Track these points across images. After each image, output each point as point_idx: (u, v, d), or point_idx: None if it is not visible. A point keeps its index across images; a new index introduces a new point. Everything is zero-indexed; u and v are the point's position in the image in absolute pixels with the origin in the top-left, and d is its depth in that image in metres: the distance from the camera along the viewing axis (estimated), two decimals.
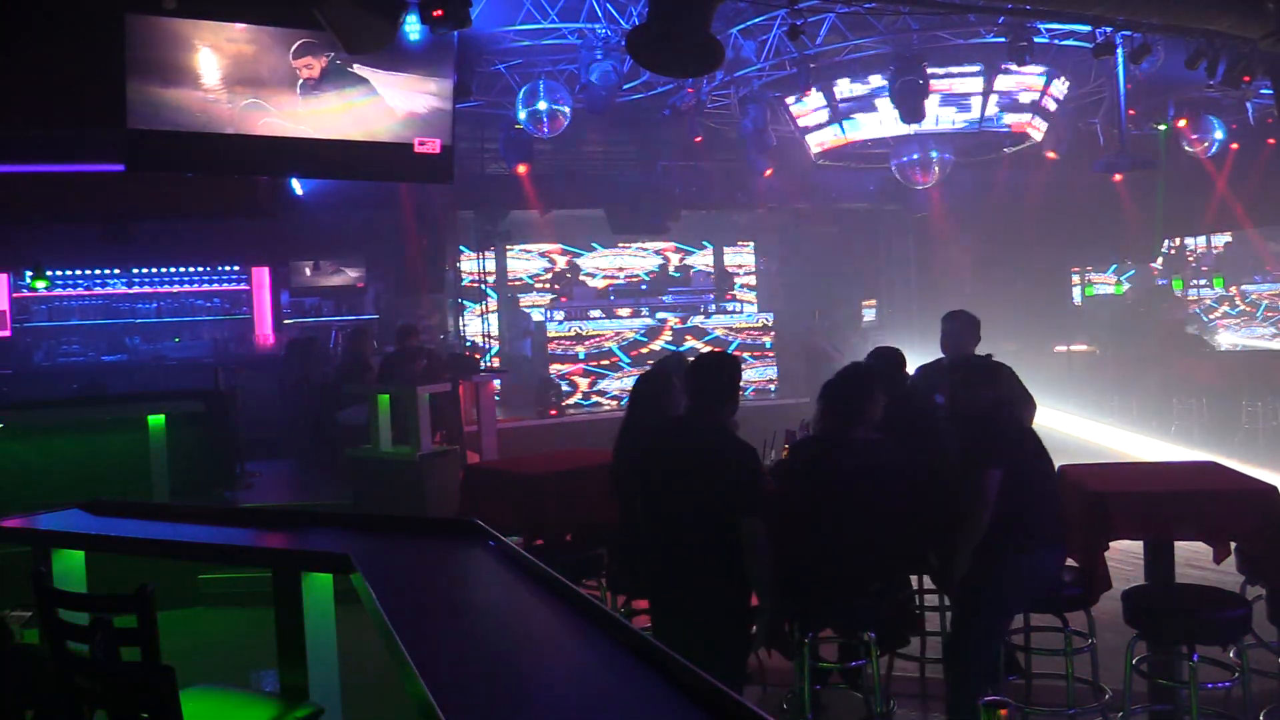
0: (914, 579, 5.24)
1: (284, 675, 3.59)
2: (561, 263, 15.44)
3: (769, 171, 12.72)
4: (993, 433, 4.22)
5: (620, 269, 15.74)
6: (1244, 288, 15.19)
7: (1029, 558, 4.16)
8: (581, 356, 13.55)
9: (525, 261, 15.39)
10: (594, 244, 15.45)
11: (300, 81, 7.54)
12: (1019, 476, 4.13)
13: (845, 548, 4.17)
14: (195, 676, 3.14)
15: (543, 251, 15.37)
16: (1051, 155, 12.22)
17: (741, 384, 4.24)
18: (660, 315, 13.95)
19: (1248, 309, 15.11)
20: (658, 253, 15.87)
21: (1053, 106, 10.72)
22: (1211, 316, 15.36)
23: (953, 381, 4.66)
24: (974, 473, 4.16)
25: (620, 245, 15.49)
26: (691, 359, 4.34)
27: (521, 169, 11.83)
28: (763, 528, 3.87)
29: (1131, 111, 10.70)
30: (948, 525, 4.32)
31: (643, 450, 4.23)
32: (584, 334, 13.66)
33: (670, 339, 13.73)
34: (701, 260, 16.20)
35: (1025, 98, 10.45)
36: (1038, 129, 10.92)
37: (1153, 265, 15.13)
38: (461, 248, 14.24)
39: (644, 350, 13.64)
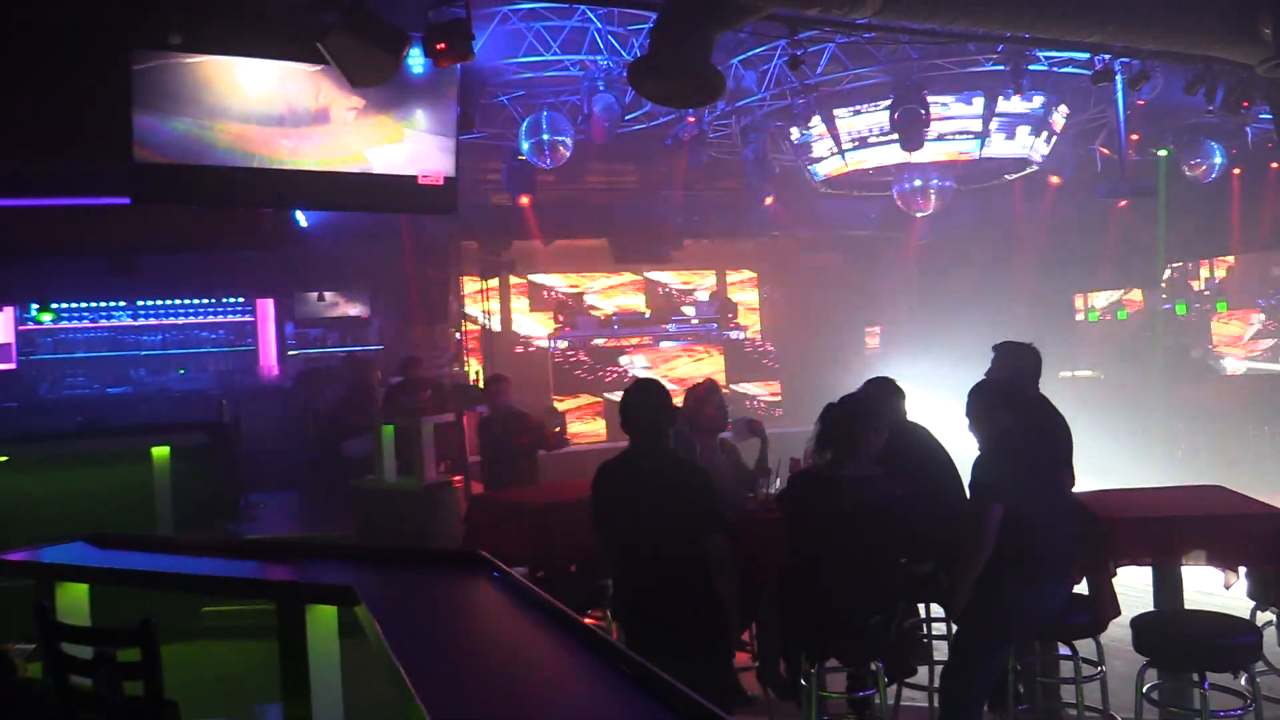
0: (920, 607, 5.21)
1: (288, 709, 3.57)
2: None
3: (770, 200, 12.80)
4: (999, 466, 4.18)
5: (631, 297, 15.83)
6: None
7: (1031, 591, 4.12)
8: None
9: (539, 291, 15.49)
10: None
11: (305, 114, 7.60)
12: (1027, 509, 4.09)
13: (845, 583, 4.15)
14: (199, 710, 3.13)
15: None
16: (1055, 180, 12.27)
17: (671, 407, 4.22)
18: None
19: None
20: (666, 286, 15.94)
21: (1053, 133, 10.77)
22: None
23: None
24: (976, 506, 4.14)
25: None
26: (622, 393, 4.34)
27: (524, 200, 11.90)
28: (726, 543, 3.91)
29: (1135, 137, 10.76)
30: (952, 554, 4.29)
31: (603, 486, 4.23)
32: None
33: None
34: (704, 288, 16.25)
35: (1025, 125, 10.50)
36: (1038, 156, 10.96)
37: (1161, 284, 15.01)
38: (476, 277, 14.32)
39: None
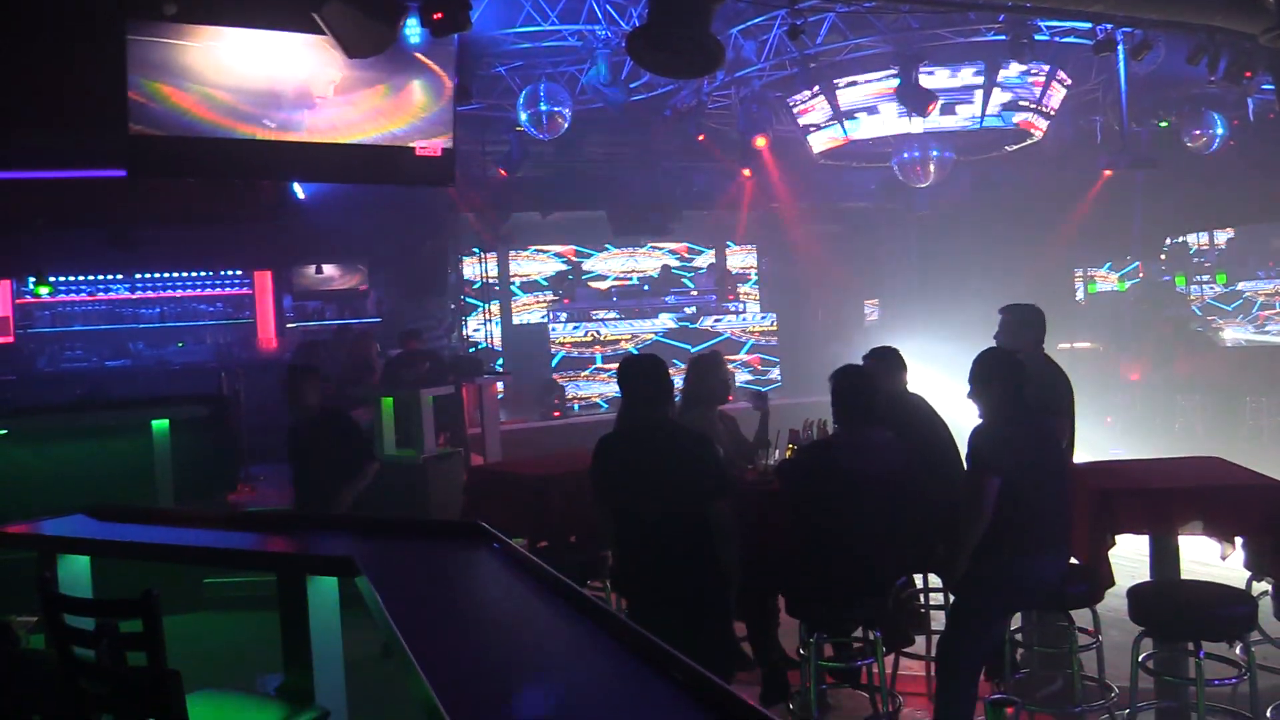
0: (918, 577, 5.24)
1: (290, 679, 3.59)
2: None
3: (747, 171, 12.79)
4: (998, 438, 4.18)
5: (630, 270, 15.84)
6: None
7: (1028, 562, 4.13)
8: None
9: (538, 264, 15.49)
10: (607, 245, 15.55)
11: (301, 85, 7.54)
12: (1024, 481, 4.10)
13: (858, 551, 4.17)
14: (201, 681, 3.14)
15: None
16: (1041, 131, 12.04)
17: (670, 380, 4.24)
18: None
19: None
20: (672, 252, 15.99)
21: (1055, 104, 10.69)
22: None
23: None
24: (974, 478, 4.15)
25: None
26: (618, 365, 4.37)
27: (502, 173, 11.86)
28: (730, 510, 3.93)
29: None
30: (951, 524, 4.31)
31: (606, 459, 4.25)
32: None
33: None
34: (703, 261, 16.23)
35: (1026, 95, 10.42)
36: (1039, 127, 10.90)
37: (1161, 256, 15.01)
38: (474, 249, 14.32)
39: None
